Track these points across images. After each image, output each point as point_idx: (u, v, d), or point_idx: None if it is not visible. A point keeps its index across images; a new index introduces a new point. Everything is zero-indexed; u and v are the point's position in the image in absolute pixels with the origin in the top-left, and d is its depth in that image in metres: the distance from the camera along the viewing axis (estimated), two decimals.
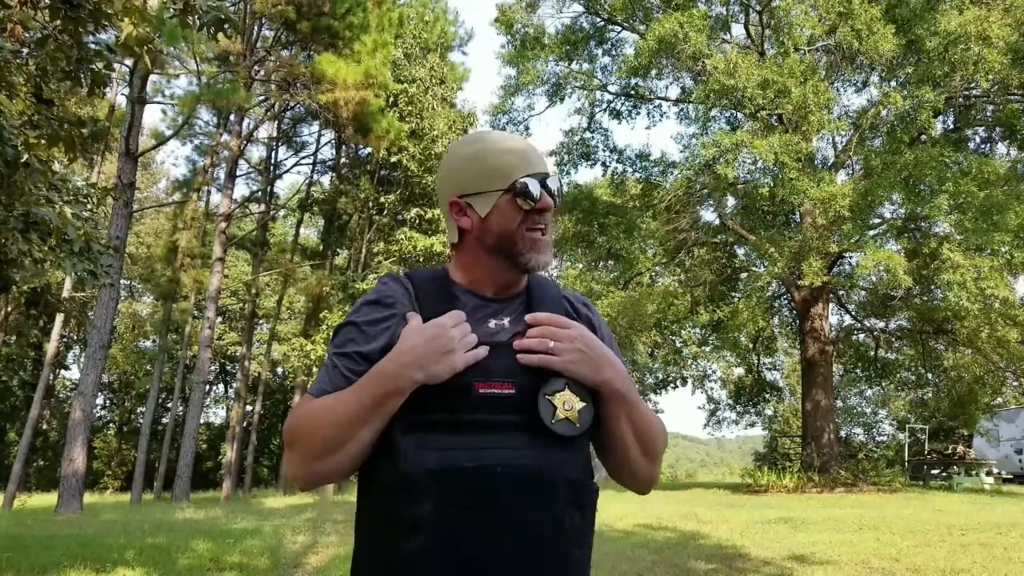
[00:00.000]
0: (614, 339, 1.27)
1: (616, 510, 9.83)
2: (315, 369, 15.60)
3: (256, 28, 17.05)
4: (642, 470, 1.19)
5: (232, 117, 18.86)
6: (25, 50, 3.97)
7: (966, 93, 15.76)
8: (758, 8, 16.71)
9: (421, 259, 18.34)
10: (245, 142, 19.48)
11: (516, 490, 1.02)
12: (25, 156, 3.90)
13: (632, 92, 19.47)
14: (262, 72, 16.82)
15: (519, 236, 1.16)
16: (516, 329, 1.14)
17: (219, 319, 26.60)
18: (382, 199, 18.45)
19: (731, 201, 18.17)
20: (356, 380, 1.08)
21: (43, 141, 4.08)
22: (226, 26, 3.67)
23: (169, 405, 30.00)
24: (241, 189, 37.43)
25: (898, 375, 20.28)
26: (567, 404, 1.06)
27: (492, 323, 1.15)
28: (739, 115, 16.95)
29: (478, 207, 1.17)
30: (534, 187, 1.15)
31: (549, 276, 1.26)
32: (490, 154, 1.18)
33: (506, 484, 1.02)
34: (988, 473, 16.51)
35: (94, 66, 3.72)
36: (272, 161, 24.22)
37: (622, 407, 1.13)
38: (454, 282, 1.20)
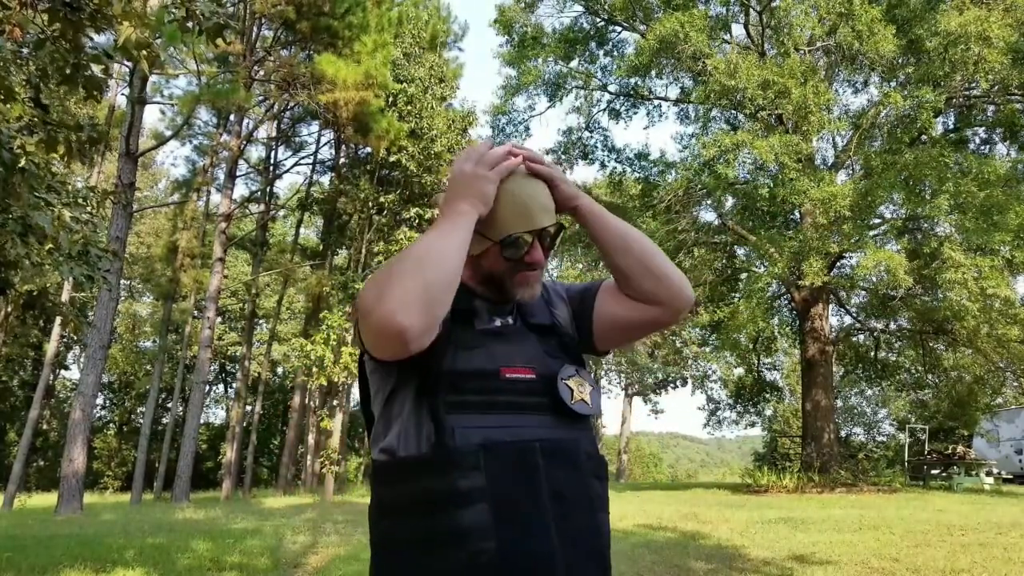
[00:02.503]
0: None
1: (616, 510, 9.81)
2: (315, 369, 15.59)
3: (256, 28, 17.04)
4: (664, 267, 1.30)
5: (232, 117, 18.86)
6: (25, 50, 3.97)
7: (966, 93, 15.75)
8: (758, 8, 16.70)
9: None
10: (245, 142, 19.48)
11: (552, 462, 1.15)
12: (23, 161, 3.89)
13: (631, 92, 19.46)
14: (262, 72, 16.81)
15: (507, 276, 1.26)
16: (518, 326, 1.28)
17: (219, 319, 26.59)
18: (382, 199, 18.44)
19: (731, 201, 18.16)
20: (385, 368, 1.21)
21: (41, 145, 4.08)
22: (226, 31, 3.66)
23: (169, 405, 30.01)
24: (241, 189, 37.37)
25: (898, 375, 20.27)
26: (580, 387, 1.21)
27: (498, 321, 1.27)
28: (739, 115, 16.94)
29: (474, 244, 1.20)
30: (521, 248, 1.23)
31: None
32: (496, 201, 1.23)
33: (544, 457, 1.14)
34: (988, 473, 16.50)
35: (91, 70, 3.72)
36: (272, 161, 24.22)
37: (599, 220, 1.31)
38: (464, 282, 1.23)
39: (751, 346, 21.05)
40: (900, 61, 15.57)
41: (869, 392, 28.85)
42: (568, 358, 1.27)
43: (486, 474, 1.10)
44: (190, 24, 3.58)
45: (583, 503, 1.17)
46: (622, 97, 19.83)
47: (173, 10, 3.55)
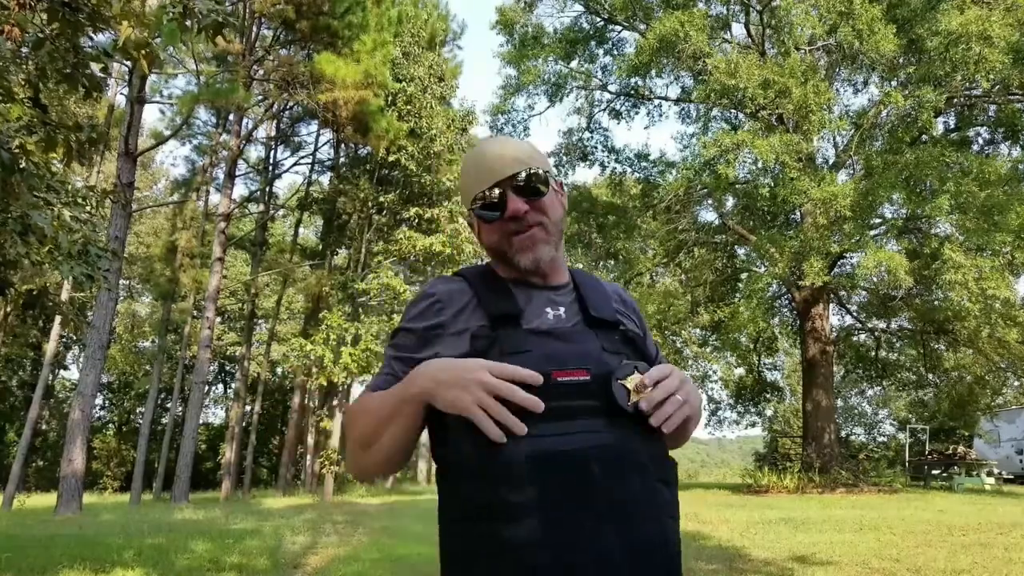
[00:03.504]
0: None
1: None
2: (314, 369, 15.59)
3: (255, 28, 17.02)
4: (683, 442, 1.32)
5: (231, 117, 18.84)
6: (25, 50, 3.95)
7: (967, 93, 15.74)
8: (758, 7, 16.69)
9: (421, 259, 18.31)
10: (244, 142, 19.45)
11: (609, 470, 1.06)
12: (23, 162, 3.88)
13: (632, 92, 19.45)
14: (261, 72, 16.79)
15: (505, 244, 1.23)
16: (574, 320, 1.20)
17: (218, 319, 26.58)
18: (381, 198, 18.42)
19: (731, 201, 18.15)
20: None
21: (40, 145, 4.06)
22: (224, 29, 3.65)
23: (168, 405, 29.99)
24: (240, 189, 37.35)
25: (899, 375, 20.28)
26: (639, 386, 1.11)
27: (550, 312, 1.20)
28: (740, 115, 16.93)
29: (473, 223, 1.27)
30: (498, 205, 1.20)
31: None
32: (465, 173, 1.27)
33: (599, 465, 1.05)
34: (989, 473, 16.50)
35: (90, 70, 3.71)
36: (271, 161, 24.21)
37: (689, 423, 1.20)
38: (501, 277, 1.25)
39: (751, 346, 21.05)
40: (901, 61, 15.56)
41: (870, 392, 28.86)
42: (632, 353, 1.19)
43: (536, 487, 1.04)
44: (188, 22, 3.56)
45: (648, 511, 1.08)
46: (623, 97, 19.83)
47: (171, 8, 3.53)
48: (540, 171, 1.22)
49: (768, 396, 24.75)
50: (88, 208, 5.25)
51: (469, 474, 1.08)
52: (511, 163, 1.22)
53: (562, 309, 1.21)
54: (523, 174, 1.21)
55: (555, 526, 1.02)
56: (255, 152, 25.62)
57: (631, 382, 1.11)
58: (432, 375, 1.09)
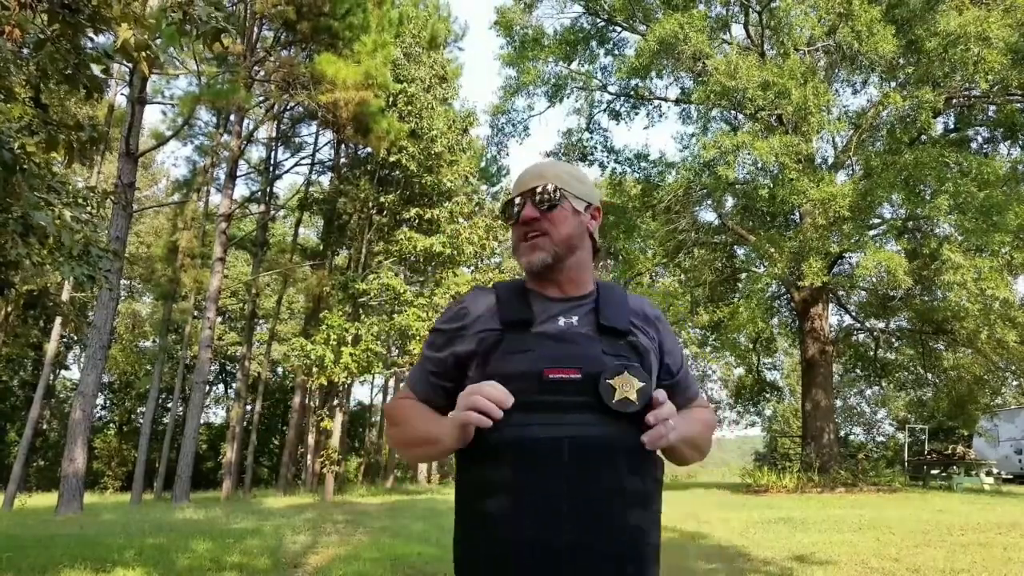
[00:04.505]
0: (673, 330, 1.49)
1: None
2: (315, 369, 15.60)
3: (256, 28, 17.04)
4: (696, 459, 1.45)
5: (232, 117, 18.85)
6: (25, 50, 3.97)
7: (966, 93, 15.75)
8: (758, 8, 16.70)
9: (421, 259, 18.32)
10: (245, 142, 19.47)
11: (581, 458, 1.19)
12: (24, 162, 3.89)
13: (632, 92, 19.47)
14: (262, 72, 16.80)
15: (517, 246, 1.41)
16: (585, 328, 1.32)
17: (219, 319, 26.59)
18: (382, 199, 18.44)
19: (731, 201, 18.16)
20: (428, 378, 1.40)
21: (41, 145, 4.08)
22: (223, 35, 3.67)
23: (169, 405, 30.00)
24: (241, 189, 37.44)
25: (898, 375, 20.28)
26: (625, 385, 1.21)
27: (562, 321, 1.33)
28: (739, 115, 16.94)
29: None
30: (508, 209, 1.42)
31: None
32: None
33: (577, 453, 1.19)
34: (988, 473, 16.50)
35: (90, 70, 3.72)
36: (272, 161, 24.21)
37: (683, 447, 1.36)
38: (529, 289, 1.40)
39: (751, 346, 21.06)
40: (900, 61, 15.57)
41: (869, 392, 28.84)
42: (634, 360, 1.29)
43: (512, 468, 1.19)
44: (188, 27, 3.58)
45: (611, 499, 1.19)
46: (622, 98, 19.85)
47: (171, 14, 3.55)
48: (555, 188, 1.38)
49: (767, 396, 24.75)
50: (89, 208, 5.26)
51: (465, 457, 1.27)
52: (536, 178, 1.39)
53: (575, 318, 1.33)
54: (540, 187, 1.38)
55: (525, 506, 1.18)
56: (256, 152, 25.65)
57: (618, 381, 1.21)
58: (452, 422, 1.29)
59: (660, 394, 1.23)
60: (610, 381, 1.21)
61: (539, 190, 1.38)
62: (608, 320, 1.32)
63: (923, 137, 15.54)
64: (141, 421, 27.52)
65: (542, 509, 1.17)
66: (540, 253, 1.36)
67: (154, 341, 30.63)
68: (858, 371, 21.56)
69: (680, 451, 1.36)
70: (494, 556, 1.20)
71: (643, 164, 19.77)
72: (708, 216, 19.21)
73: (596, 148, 20.27)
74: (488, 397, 1.19)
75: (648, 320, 1.40)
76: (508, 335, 1.30)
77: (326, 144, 23.30)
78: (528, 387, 1.21)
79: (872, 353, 19.97)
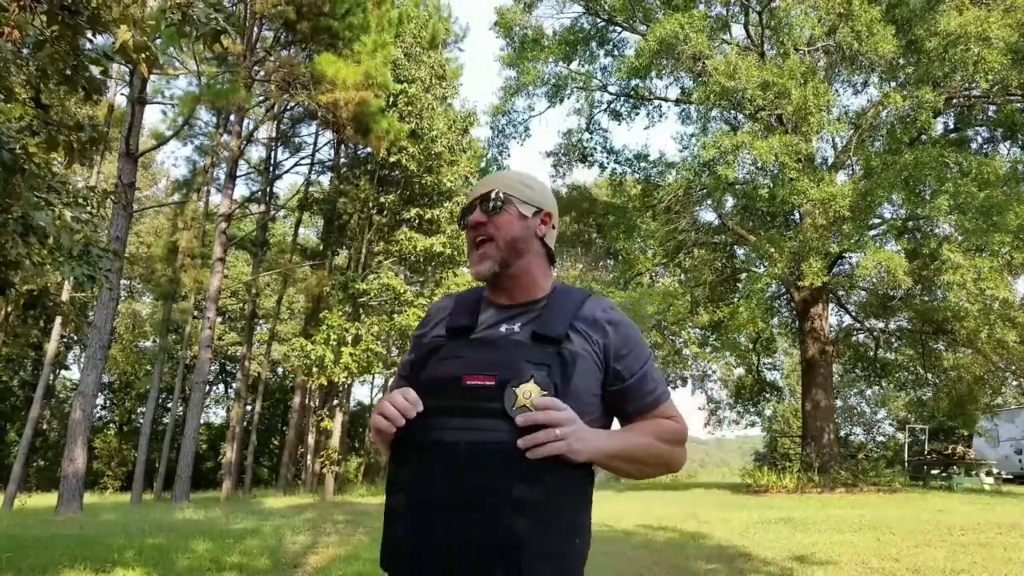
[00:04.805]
0: (639, 329, 1.46)
1: (616, 510, 9.84)
2: (315, 369, 15.60)
3: (256, 28, 17.03)
4: (657, 473, 1.45)
5: (232, 117, 18.85)
6: (25, 51, 3.97)
7: (966, 93, 15.75)
8: (758, 8, 16.70)
9: (421, 259, 18.31)
10: (245, 142, 19.47)
11: (474, 462, 1.22)
12: (25, 164, 3.89)
13: (632, 93, 19.46)
14: (262, 72, 16.79)
15: (469, 254, 1.47)
16: (523, 334, 1.35)
17: (219, 319, 26.59)
18: (382, 199, 18.43)
19: (731, 201, 18.16)
20: (399, 382, 1.48)
21: (41, 145, 4.08)
22: (223, 36, 3.67)
23: (169, 405, 30.00)
24: (241, 189, 37.48)
25: (898, 375, 20.27)
26: (527, 394, 1.24)
27: (503, 328, 1.38)
28: (739, 116, 16.93)
29: None
30: (463, 217, 1.47)
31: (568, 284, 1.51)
32: None
33: (467, 456, 1.23)
34: (988, 473, 16.49)
35: (89, 72, 3.72)
36: (272, 161, 24.22)
37: (616, 461, 1.34)
38: (484, 297, 1.47)
39: (751, 346, 21.07)
40: (900, 61, 15.57)
41: (869, 392, 28.84)
42: (555, 366, 1.29)
43: (411, 468, 1.28)
44: (187, 29, 3.58)
45: (498, 506, 1.20)
46: (622, 98, 19.84)
47: (170, 15, 3.55)
48: (501, 193, 1.43)
49: (767, 396, 24.75)
50: (89, 208, 5.26)
51: (390, 458, 1.35)
52: (486, 186, 1.45)
53: (517, 324, 1.38)
54: (488, 194, 1.43)
55: (416, 503, 1.25)
56: (256, 153, 25.65)
57: (522, 389, 1.24)
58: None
59: (552, 402, 1.23)
60: (515, 389, 1.24)
61: (488, 196, 1.43)
62: (542, 328, 1.34)
63: (923, 137, 15.54)
64: (141, 421, 27.52)
65: (428, 508, 1.23)
66: (487, 262, 1.41)
67: (154, 341, 30.63)
68: (858, 371, 21.55)
69: (614, 466, 1.33)
70: (392, 551, 1.29)
71: (643, 164, 19.77)
72: (708, 216, 19.23)
73: (596, 148, 20.27)
74: (395, 404, 1.28)
75: (596, 325, 1.38)
76: (449, 342, 1.38)
77: (326, 144, 23.33)
78: (451, 392, 1.28)
79: (872, 353, 19.97)
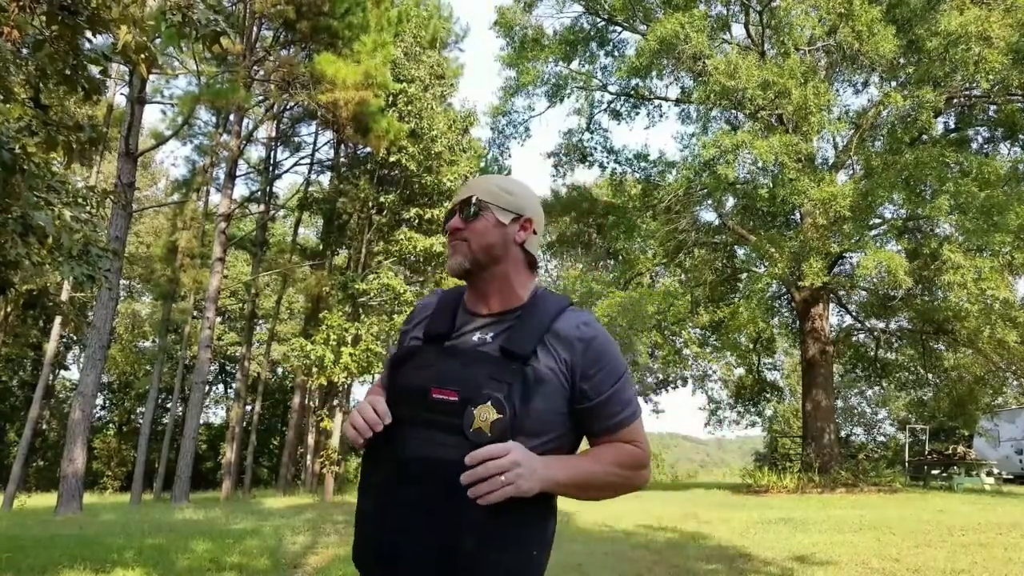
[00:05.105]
0: (616, 346, 1.43)
1: (616, 510, 9.83)
2: (314, 369, 15.60)
3: (255, 28, 17.02)
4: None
5: (231, 117, 18.84)
6: (24, 51, 3.96)
7: (967, 93, 15.74)
8: (758, 8, 16.69)
9: (421, 259, 18.31)
10: (244, 142, 19.46)
11: (428, 479, 1.27)
12: (24, 162, 3.88)
13: (632, 92, 19.46)
14: (261, 72, 16.79)
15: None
16: (493, 346, 1.36)
17: (219, 319, 26.58)
18: (381, 199, 18.42)
19: (731, 201, 18.15)
20: (384, 378, 1.49)
21: (41, 145, 4.07)
22: (222, 38, 3.66)
23: (169, 405, 29.99)
24: (240, 189, 37.47)
25: (898, 375, 20.27)
26: (483, 416, 1.26)
27: (476, 336, 1.39)
28: (739, 115, 16.93)
29: None
30: (445, 222, 1.48)
31: (553, 290, 1.50)
32: None
33: (425, 470, 1.27)
34: (988, 473, 16.49)
35: (89, 72, 3.71)
36: (271, 161, 24.20)
37: (570, 490, 1.35)
38: (464, 301, 1.47)
39: (751, 346, 21.05)
40: (900, 61, 15.56)
41: (869, 392, 28.82)
42: (516, 385, 1.29)
43: (376, 478, 1.34)
44: (187, 29, 3.58)
45: (447, 523, 1.25)
46: (622, 97, 19.83)
47: (170, 16, 3.54)
48: (477, 199, 1.43)
49: (768, 396, 24.73)
50: (88, 208, 5.25)
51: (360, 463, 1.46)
52: (466, 191, 1.46)
53: (490, 334, 1.38)
54: (469, 199, 1.44)
55: (380, 511, 1.32)
56: (255, 152, 25.64)
57: (479, 411, 1.26)
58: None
59: (490, 451, 1.23)
60: (474, 410, 1.26)
61: (466, 202, 1.44)
62: (510, 343, 1.34)
63: (923, 137, 15.53)
64: (141, 421, 27.51)
65: (386, 522, 1.30)
66: (457, 257, 1.42)
67: (154, 341, 30.62)
68: (858, 371, 21.54)
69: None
70: (359, 551, 1.36)
71: (643, 164, 19.77)
72: (708, 216, 19.22)
73: (596, 148, 20.27)
74: (364, 416, 1.33)
75: (566, 342, 1.36)
76: (424, 347, 1.41)
77: (326, 144, 23.31)
78: (418, 402, 1.31)
79: (872, 353, 19.96)
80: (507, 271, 1.43)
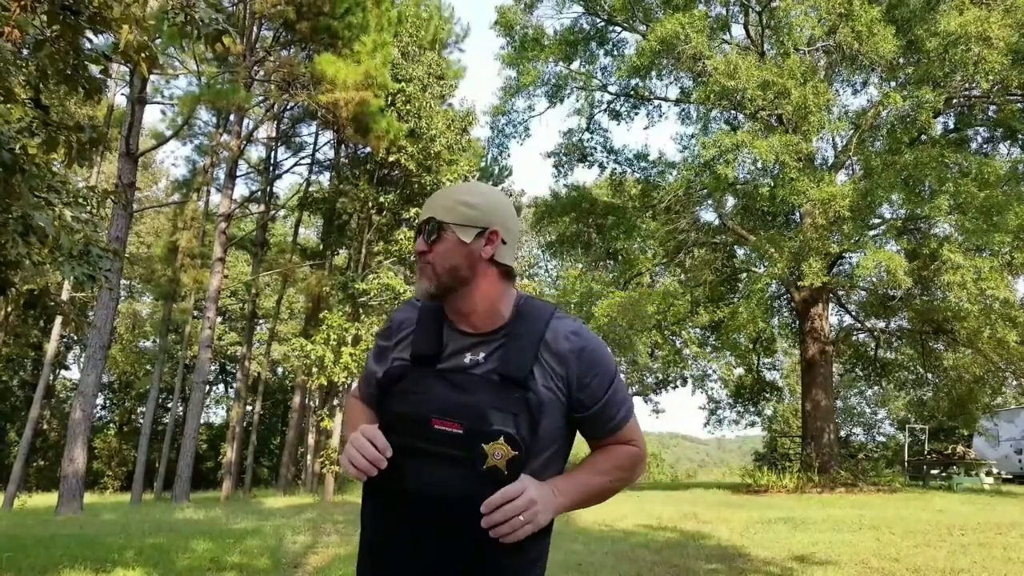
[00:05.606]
0: (606, 348, 1.41)
1: (616, 510, 9.84)
2: (315, 369, 15.61)
3: (256, 28, 17.04)
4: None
5: (232, 117, 18.85)
6: (25, 51, 3.97)
7: (966, 93, 15.74)
8: (758, 8, 16.70)
9: None
10: (245, 142, 19.47)
11: (435, 513, 1.26)
12: (24, 163, 3.89)
13: (632, 93, 19.46)
14: (262, 72, 16.80)
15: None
16: (488, 367, 1.31)
17: (219, 319, 26.58)
18: (381, 199, 18.43)
19: (731, 201, 18.16)
20: (364, 387, 1.50)
21: (42, 146, 4.08)
22: (224, 37, 3.67)
23: (169, 405, 30.01)
24: (241, 189, 37.36)
25: (898, 375, 20.27)
26: (498, 453, 1.23)
27: (468, 358, 1.34)
28: (739, 115, 16.93)
29: None
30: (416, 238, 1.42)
31: (541, 299, 1.49)
32: None
33: (427, 507, 1.26)
34: (988, 473, 16.51)
35: (90, 71, 3.72)
36: (271, 161, 24.22)
37: (577, 507, 1.38)
38: (446, 318, 1.39)
39: (751, 346, 21.05)
40: (900, 61, 15.56)
41: (869, 392, 28.83)
42: (522, 415, 1.26)
43: (381, 509, 1.33)
44: (189, 29, 3.59)
45: (460, 558, 1.25)
46: (622, 98, 19.84)
47: (172, 16, 3.55)
48: (436, 222, 1.34)
49: (767, 396, 24.74)
50: (89, 208, 5.26)
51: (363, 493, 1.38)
52: (425, 211, 1.38)
53: (482, 355, 1.33)
54: (426, 221, 1.36)
55: (384, 543, 1.32)
56: (256, 152, 25.65)
57: (491, 448, 1.23)
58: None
59: (506, 494, 1.22)
60: (485, 446, 1.23)
61: (426, 223, 1.36)
62: (507, 367, 1.30)
63: (923, 137, 15.53)
64: (141, 421, 27.53)
65: (391, 555, 1.30)
66: (423, 282, 1.36)
67: (154, 341, 30.65)
68: (858, 371, 21.55)
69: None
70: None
71: (643, 164, 19.78)
72: (708, 216, 19.22)
73: (596, 148, 20.27)
74: (364, 453, 1.27)
75: (561, 357, 1.33)
76: (412, 369, 1.35)
77: (326, 144, 23.32)
78: (418, 432, 1.27)
79: (872, 353, 19.97)
80: (479, 288, 1.35)
